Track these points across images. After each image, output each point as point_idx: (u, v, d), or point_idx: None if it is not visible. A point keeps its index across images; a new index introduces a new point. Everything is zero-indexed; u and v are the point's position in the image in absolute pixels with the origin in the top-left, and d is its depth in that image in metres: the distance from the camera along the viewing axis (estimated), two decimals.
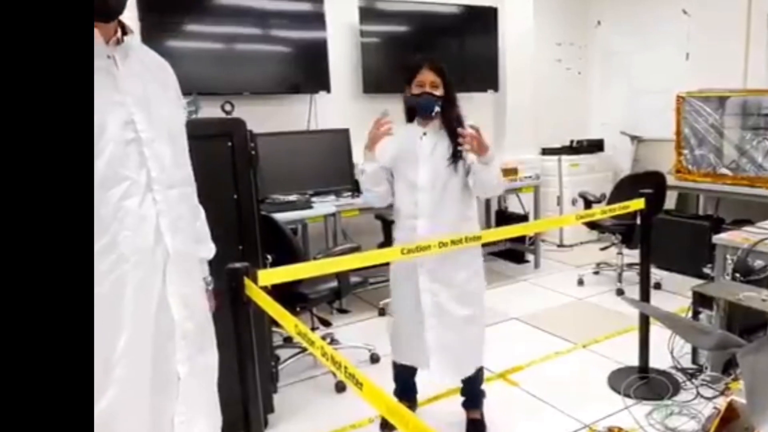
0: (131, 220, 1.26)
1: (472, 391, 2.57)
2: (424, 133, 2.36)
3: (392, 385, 2.63)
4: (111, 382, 1.25)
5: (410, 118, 2.43)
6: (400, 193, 2.40)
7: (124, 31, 1.32)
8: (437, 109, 2.30)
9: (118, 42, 1.29)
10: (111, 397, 1.25)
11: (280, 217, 3.29)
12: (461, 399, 2.61)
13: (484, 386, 2.60)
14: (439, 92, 2.30)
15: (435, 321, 2.37)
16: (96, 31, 1.23)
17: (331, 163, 4.29)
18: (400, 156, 2.37)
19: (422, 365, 2.46)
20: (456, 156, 2.31)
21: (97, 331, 1.15)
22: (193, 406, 1.40)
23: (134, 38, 1.34)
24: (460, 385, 2.57)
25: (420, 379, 2.61)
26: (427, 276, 2.35)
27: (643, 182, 3.83)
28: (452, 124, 2.31)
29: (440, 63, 2.34)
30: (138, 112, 1.28)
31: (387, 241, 3.92)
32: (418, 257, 2.24)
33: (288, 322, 1.44)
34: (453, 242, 2.19)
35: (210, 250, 1.59)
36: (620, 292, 4.25)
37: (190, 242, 1.43)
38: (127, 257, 1.26)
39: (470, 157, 2.31)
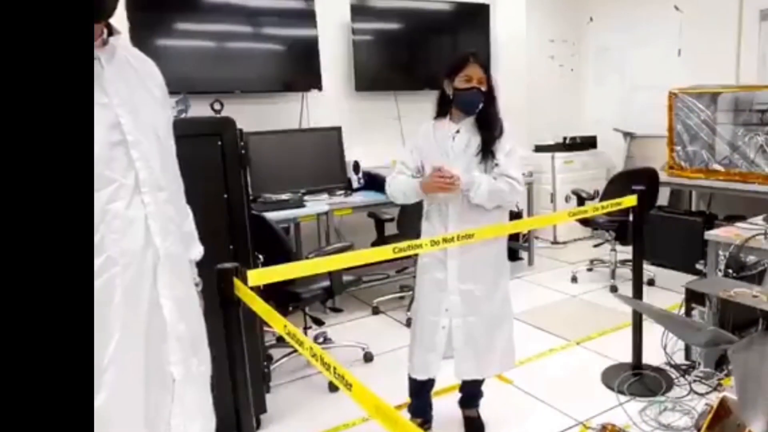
0: (119, 222, 1.24)
1: (473, 390, 2.55)
2: (457, 131, 2.31)
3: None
4: (102, 385, 1.23)
5: (442, 112, 2.37)
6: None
7: (110, 32, 1.29)
8: (481, 105, 2.27)
9: (104, 43, 1.27)
10: (102, 401, 1.22)
11: (272, 215, 3.28)
12: (456, 396, 2.60)
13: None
14: (484, 88, 2.26)
15: (461, 321, 2.33)
16: None
17: (323, 161, 4.27)
18: (431, 154, 2.32)
19: (435, 371, 2.41)
20: (488, 152, 2.27)
21: None
22: (189, 408, 1.39)
23: (120, 39, 1.32)
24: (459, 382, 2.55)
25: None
26: (456, 275, 2.31)
27: (635, 179, 3.83)
28: (489, 120, 2.28)
29: (484, 59, 2.29)
30: (125, 114, 1.26)
31: (380, 240, 3.91)
32: (448, 255, 2.27)
33: (277, 322, 1.43)
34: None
35: (198, 251, 1.57)
36: (614, 289, 4.26)
37: (181, 244, 1.42)
38: (115, 260, 1.24)
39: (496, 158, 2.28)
